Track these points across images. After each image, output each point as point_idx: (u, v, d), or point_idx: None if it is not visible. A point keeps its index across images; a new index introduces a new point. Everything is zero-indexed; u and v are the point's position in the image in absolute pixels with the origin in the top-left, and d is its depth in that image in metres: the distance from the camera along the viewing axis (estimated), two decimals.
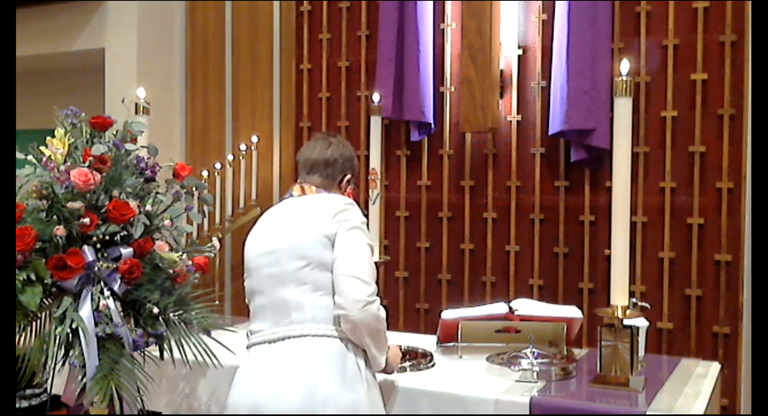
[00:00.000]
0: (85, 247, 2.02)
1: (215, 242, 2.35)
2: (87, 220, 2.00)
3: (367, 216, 2.25)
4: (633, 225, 3.29)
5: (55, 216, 2.03)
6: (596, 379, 2.25)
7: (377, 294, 2.02)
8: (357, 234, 2.06)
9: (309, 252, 2.04)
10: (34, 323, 2.04)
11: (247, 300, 2.19)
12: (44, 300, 2.01)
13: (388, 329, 2.20)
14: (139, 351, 2.07)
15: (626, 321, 2.24)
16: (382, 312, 2.04)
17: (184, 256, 2.15)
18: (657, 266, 3.44)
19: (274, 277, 2.06)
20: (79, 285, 2.00)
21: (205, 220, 3.68)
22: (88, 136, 2.16)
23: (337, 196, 2.21)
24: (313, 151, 2.27)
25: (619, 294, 2.23)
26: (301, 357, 1.97)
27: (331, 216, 2.07)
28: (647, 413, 2.02)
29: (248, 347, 2.12)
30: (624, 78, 2.25)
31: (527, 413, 2.08)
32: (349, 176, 2.30)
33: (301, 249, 2.04)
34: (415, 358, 2.44)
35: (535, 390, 2.18)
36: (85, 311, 1.98)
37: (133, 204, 2.07)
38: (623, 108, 2.25)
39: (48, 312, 2.03)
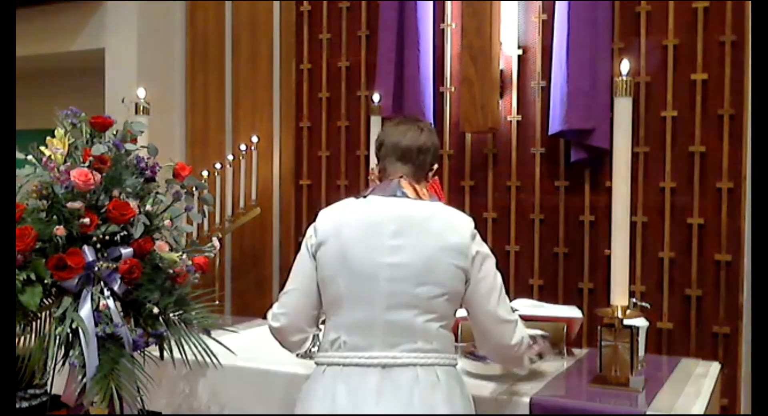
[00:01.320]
0: (85, 247, 2.02)
1: (215, 242, 2.35)
2: (87, 220, 2.00)
3: None
4: (633, 225, 3.29)
5: (55, 216, 2.03)
6: (596, 379, 2.25)
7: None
8: (492, 266, 1.95)
9: (448, 283, 1.88)
10: (34, 323, 2.04)
11: (333, 301, 1.93)
12: (44, 300, 2.01)
13: None
14: (139, 351, 2.07)
15: (626, 321, 2.23)
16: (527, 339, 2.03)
17: (184, 256, 2.15)
18: (657, 266, 3.44)
19: (395, 295, 1.87)
20: (79, 285, 2.00)
21: (205, 220, 3.68)
22: (88, 136, 2.16)
23: (463, 215, 1.98)
24: (404, 136, 2.03)
25: (619, 294, 2.23)
26: (435, 384, 1.86)
27: (469, 244, 1.91)
28: (647, 413, 2.02)
29: (346, 364, 1.89)
30: (624, 78, 2.25)
31: (527, 413, 2.08)
32: (437, 166, 2.11)
33: (438, 277, 1.87)
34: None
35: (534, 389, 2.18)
36: (85, 311, 1.98)
37: (133, 204, 2.07)
38: (623, 108, 2.25)
39: (48, 312, 2.03)
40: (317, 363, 1.97)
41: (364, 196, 2.00)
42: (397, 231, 1.89)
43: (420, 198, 1.98)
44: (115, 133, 2.19)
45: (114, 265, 2.01)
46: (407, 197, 1.96)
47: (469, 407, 1.95)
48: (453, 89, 3.78)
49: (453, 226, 1.92)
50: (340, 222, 1.96)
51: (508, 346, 1.96)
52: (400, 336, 1.86)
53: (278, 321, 2.00)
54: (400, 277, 1.86)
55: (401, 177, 2.00)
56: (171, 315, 2.12)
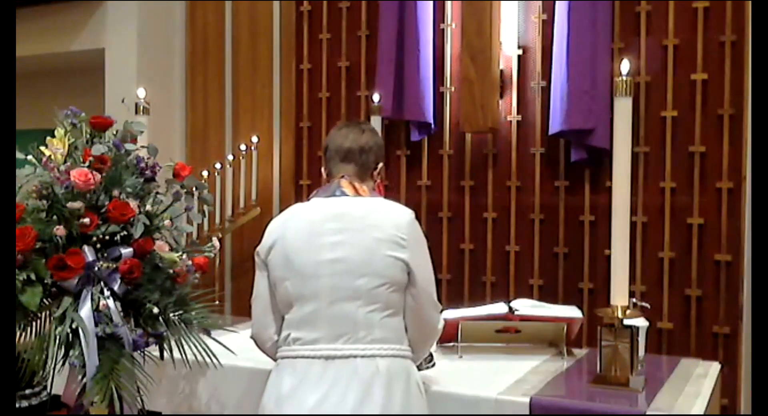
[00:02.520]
0: (85, 247, 2.02)
1: (215, 242, 2.35)
2: (87, 220, 2.00)
3: None
4: (633, 225, 3.29)
5: (55, 216, 2.03)
6: (596, 379, 2.25)
7: None
8: (426, 256, 2.04)
9: (386, 272, 1.94)
10: (34, 323, 2.04)
11: (285, 302, 1.99)
12: (44, 300, 2.01)
13: None
14: (139, 351, 2.07)
15: (626, 321, 2.23)
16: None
17: (184, 256, 2.15)
18: (657, 266, 3.44)
19: (339, 289, 1.93)
20: (79, 285, 2.00)
21: (205, 220, 3.67)
22: (88, 136, 2.16)
23: (401, 207, 2.06)
24: (346, 138, 2.13)
25: (619, 294, 2.23)
26: (374, 375, 1.90)
27: (407, 236, 1.98)
28: (647, 413, 2.02)
29: (294, 357, 1.96)
30: (624, 78, 2.25)
31: (527, 413, 2.08)
32: (381, 165, 2.20)
33: (376, 268, 1.93)
34: None
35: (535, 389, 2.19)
36: (85, 311, 1.98)
37: (133, 204, 2.07)
38: (623, 108, 2.25)
39: (48, 312, 2.03)
40: (274, 360, 2.06)
41: (308, 199, 2.11)
42: (336, 229, 1.97)
43: (359, 195, 2.06)
44: (115, 133, 2.19)
45: (114, 265, 2.01)
46: (346, 195, 2.05)
47: (416, 400, 1.96)
48: (453, 89, 3.78)
49: (390, 218, 2.00)
50: (284, 226, 2.03)
51: (436, 330, 2.07)
52: (343, 329, 1.92)
53: (251, 331, 2.11)
54: (340, 272, 1.93)
55: (342, 177, 2.09)
56: (171, 315, 2.12)
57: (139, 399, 2.05)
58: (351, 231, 1.97)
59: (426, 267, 2.02)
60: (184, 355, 2.13)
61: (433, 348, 2.54)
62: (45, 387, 2.33)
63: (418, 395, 1.98)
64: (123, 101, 2.59)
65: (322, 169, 2.21)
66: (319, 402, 1.88)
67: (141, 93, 2.71)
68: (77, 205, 2.00)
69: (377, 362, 1.91)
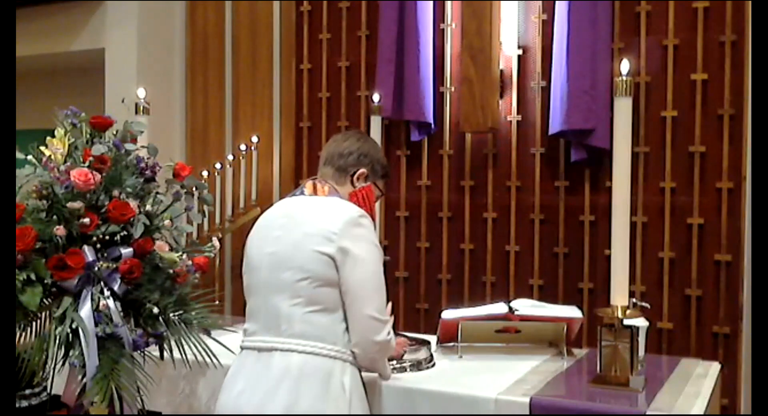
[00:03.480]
0: (85, 247, 2.02)
1: (215, 242, 2.35)
2: (87, 220, 2.00)
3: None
4: (633, 225, 3.29)
5: (55, 216, 2.03)
6: (596, 379, 2.25)
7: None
8: (367, 260, 1.98)
9: (309, 267, 1.96)
10: (34, 323, 2.04)
11: (245, 295, 2.14)
12: (44, 300, 2.01)
13: None
14: (139, 351, 2.07)
15: (626, 321, 2.23)
16: (394, 340, 2.04)
17: (184, 256, 2.15)
18: (657, 266, 3.44)
19: (270, 283, 2.01)
20: (79, 285, 2.00)
21: (205, 220, 3.68)
22: (88, 136, 2.16)
23: (349, 205, 2.07)
24: (332, 144, 2.25)
25: (619, 294, 2.23)
26: (285, 371, 1.93)
27: (339, 232, 1.96)
28: (647, 413, 2.02)
29: (241, 347, 2.10)
30: (624, 78, 2.25)
31: (527, 413, 2.08)
32: (363, 171, 2.21)
33: (300, 262, 1.96)
34: (415, 345, 2.44)
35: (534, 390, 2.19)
36: (85, 311, 1.98)
37: (133, 204, 2.07)
38: (623, 108, 2.25)
39: (48, 312, 2.03)
40: None
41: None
42: (280, 225, 2.06)
43: (316, 194, 2.13)
44: (115, 133, 2.19)
45: (114, 265, 2.01)
46: (304, 194, 2.15)
47: (334, 404, 1.92)
48: (453, 89, 3.78)
49: (327, 214, 2.02)
50: (255, 224, 2.17)
51: (372, 342, 1.96)
52: (273, 322, 1.99)
53: None
54: (274, 265, 2.00)
55: (313, 178, 2.20)
56: (171, 315, 2.12)
57: (139, 399, 2.05)
58: (289, 226, 2.03)
59: (361, 268, 1.96)
60: (184, 355, 2.13)
61: (433, 348, 2.55)
62: (45, 388, 2.33)
63: (341, 399, 1.93)
64: (123, 101, 2.59)
65: None
66: (239, 393, 1.97)
67: (141, 93, 2.71)
68: (77, 205, 2.00)
69: (291, 358, 1.93)
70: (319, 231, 1.97)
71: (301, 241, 1.98)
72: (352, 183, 2.19)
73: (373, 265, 1.98)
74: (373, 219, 2.13)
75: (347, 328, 1.98)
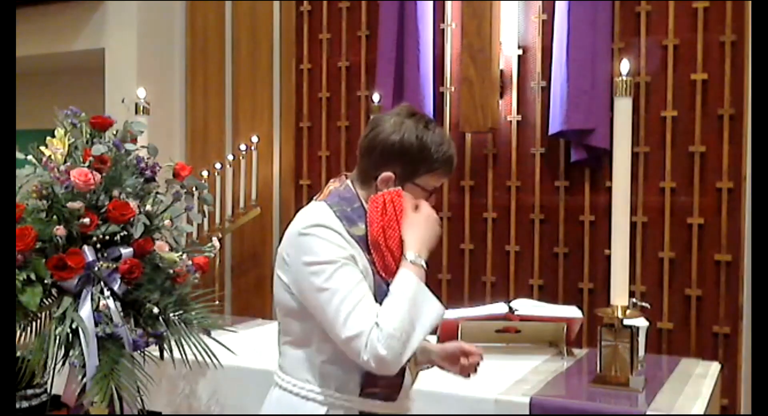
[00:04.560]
0: (85, 247, 2.01)
1: (215, 242, 2.35)
2: (87, 220, 2.00)
3: None
4: (633, 225, 3.29)
5: (55, 216, 2.03)
6: (596, 379, 2.25)
7: (371, 327, 1.54)
8: (313, 276, 1.59)
9: (277, 294, 1.71)
10: (34, 323, 2.04)
11: None
12: (44, 300, 2.01)
13: None
14: (139, 351, 2.07)
15: (626, 321, 2.23)
16: (382, 350, 1.52)
17: (184, 256, 2.15)
18: (657, 266, 3.44)
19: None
20: (79, 285, 2.00)
21: (205, 220, 3.68)
22: (88, 136, 2.16)
23: (305, 214, 1.69)
24: (365, 130, 1.77)
25: (619, 294, 2.23)
26: (268, 404, 1.77)
27: (288, 250, 1.67)
28: (647, 413, 2.02)
29: None
30: (624, 78, 2.25)
31: (527, 413, 2.08)
32: (387, 175, 1.68)
33: (275, 288, 1.73)
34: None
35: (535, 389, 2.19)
36: (85, 311, 1.98)
37: (133, 204, 2.07)
38: (623, 108, 2.25)
39: (48, 312, 2.03)
40: None
41: None
42: None
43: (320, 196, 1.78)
44: (115, 133, 2.19)
45: (114, 265, 2.01)
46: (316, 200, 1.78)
47: None
48: (453, 89, 3.78)
49: (289, 231, 1.70)
50: None
51: (366, 363, 1.55)
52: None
53: None
54: None
55: (344, 174, 1.81)
56: (171, 315, 2.12)
57: (139, 399, 2.05)
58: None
59: (309, 289, 1.60)
60: (184, 355, 2.13)
61: None
62: (45, 390, 2.34)
63: None
64: (123, 101, 2.59)
65: None
66: None
67: (141, 93, 2.71)
68: (77, 205, 2.00)
69: (273, 391, 1.77)
70: (280, 251, 1.71)
71: (276, 264, 1.74)
72: (375, 188, 1.71)
73: (321, 281, 1.58)
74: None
75: (336, 363, 1.65)
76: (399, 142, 1.69)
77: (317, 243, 1.61)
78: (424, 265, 1.64)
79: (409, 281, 1.60)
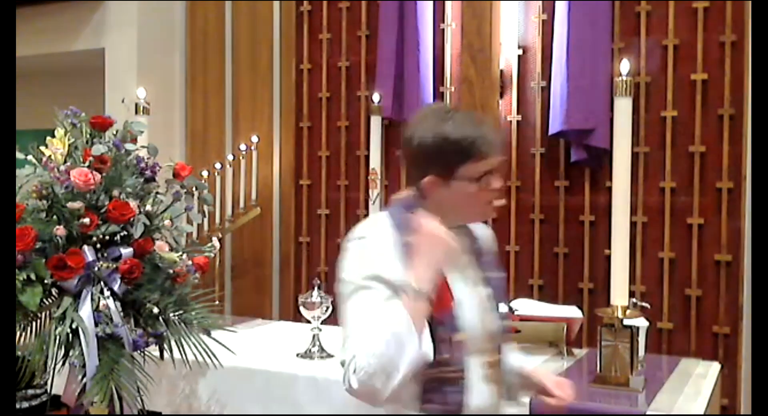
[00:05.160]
0: (85, 247, 2.01)
1: (215, 242, 2.35)
2: (87, 220, 2.00)
3: (366, 216, 2.21)
4: (633, 225, 3.29)
5: (55, 216, 2.03)
6: (596, 379, 2.25)
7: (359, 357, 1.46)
8: (342, 294, 1.57)
9: None
10: (34, 323, 2.04)
11: None
12: (44, 300, 2.01)
13: None
14: (139, 351, 2.07)
15: (626, 321, 2.24)
16: (354, 382, 1.46)
17: (184, 256, 2.15)
18: (657, 266, 3.44)
19: None
20: (79, 285, 2.00)
21: (205, 220, 3.68)
22: (88, 136, 2.16)
23: (361, 225, 1.65)
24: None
25: (619, 294, 2.23)
26: None
27: (340, 272, 1.60)
28: (647, 413, 2.02)
29: None
30: (624, 78, 2.25)
31: (527, 413, 2.08)
32: (429, 180, 1.61)
33: None
34: None
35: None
36: (85, 311, 1.98)
37: (133, 204, 2.07)
38: (623, 108, 2.25)
39: (48, 312, 2.03)
40: None
41: None
42: None
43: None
44: (115, 133, 2.19)
45: (114, 265, 2.01)
46: None
47: None
48: (453, 89, 3.78)
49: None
50: None
51: (346, 389, 1.51)
52: None
53: None
54: None
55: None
56: (171, 315, 2.12)
57: (139, 399, 2.05)
58: None
59: (341, 305, 1.57)
60: (184, 355, 2.13)
61: None
62: (45, 390, 2.34)
63: None
64: (123, 101, 2.59)
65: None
66: None
67: (141, 93, 2.72)
68: (77, 205, 2.00)
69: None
70: None
71: None
72: (419, 188, 1.65)
73: (343, 299, 1.57)
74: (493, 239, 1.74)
75: None
76: (419, 144, 1.62)
77: (350, 259, 1.59)
78: (423, 292, 1.51)
79: (397, 314, 1.48)
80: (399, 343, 1.46)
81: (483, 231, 1.81)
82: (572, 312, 2.64)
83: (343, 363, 1.49)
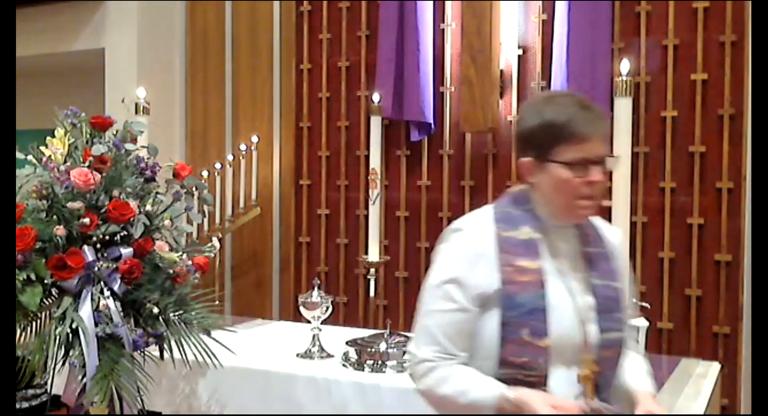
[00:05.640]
0: (85, 247, 2.01)
1: (215, 242, 2.35)
2: (87, 220, 2.00)
3: (366, 216, 2.21)
4: (633, 225, 3.29)
5: (55, 216, 2.03)
6: None
7: (430, 359, 1.58)
8: (426, 284, 1.63)
9: None
10: (34, 323, 2.04)
11: None
12: (44, 300, 2.01)
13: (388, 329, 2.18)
14: (139, 351, 2.07)
15: None
16: (422, 383, 1.61)
17: (184, 256, 2.15)
18: (657, 266, 3.44)
19: None
20: (79, 285, 2.00)
21: (205, 220, 3.68)
22: (88, 136, 2.16)
23: (467, 214, 1.68)
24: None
25: None
26: None
27: None
28: None
29: None
30: (624, 78, 2.25)
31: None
32: (525, 161, 1.60)
33: None
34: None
35: None
36: (85, 311, 1.98)
37: (133, 204, 2.07)
38: (623, 108, 2.25)
39: (48, 312, 2.03)
40: None
41: None
42: None
43: None
44: (115, 133, 2.19)
45: (114, 265, 2.01)
46: None
47: None
48: (453, 89, 3.78)
49: None
50: None
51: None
52: None
53: None
54: None
55: None
56: (171, 315, 2.11)
57: (139, 399, 2.05)
58: None
59: (418, 309, 1.66)
60: (184, 355, 2.13)
61: None
62: (45, 390, 2.34)
63: None
64: (123, 101, 2.60)
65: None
66: None
67: (141, 93, 2.72)
68: (77, 205, 2.00)
69: None
70: None
71: None
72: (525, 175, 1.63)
73: (424, 290, 1.63)
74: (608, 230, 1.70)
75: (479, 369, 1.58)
76: (521, 126, 1.61)
77: (440, 255, 1.63)
78: (510, 399, 1.51)
79: (486, 396, 1.52)
80: (447, 358, 1.58)
81: (615, 237, 1.73)
82: None
83: (407, 352, 1.64)
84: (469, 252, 1.58)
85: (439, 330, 1.57)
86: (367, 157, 3.76)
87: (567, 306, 1.56)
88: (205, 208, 2.45)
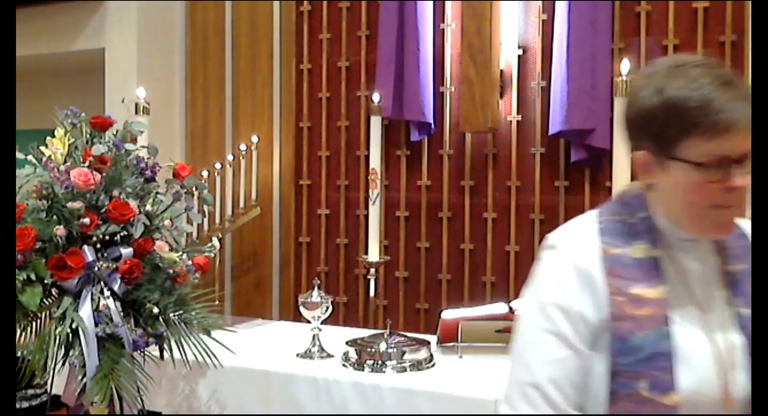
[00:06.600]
0: (85, 247, 2.02)
1: (215, 242, 2.35)
2: (87, 220, 2.00)
3: (366, 216, 2.21)
4: None
5: (55, 216, 2.03)
6: None
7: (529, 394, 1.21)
8: (522, 315, 1.30)
9: None
10: (34, 323, 2.04)
11: None
12: (44, 300, 2.01)
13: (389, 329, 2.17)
14: (139, 351, 2.07)
15: None
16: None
17: (184, 256, 2.15)
18: None
19: None
20: (79, 285, 2.00)
21: (205, 220, 3.68)
22: (88, 136, 2.16)
23: (568, 223, 1.36)
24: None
25: None
26: None
27: None
28: None
29: None
30: (624, 78, 2.25)
31: None
32: (639, 154, 1.23)
33: None
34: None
35: None
36: (85, 311, 1.98)
37: (133, 204, 2.07)
38: (623, 108, 2.25)
39: (48, 312, 2.04)
40: None
41: None
42: None
43: None
44: (115, 133, 2.19)
45: (114, 265, 2.02)
46: None
47: None
48: (453, 89, 3.78)
49: None
50: None
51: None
52: None
53: None
54: None
55: None
56: (171, 315, 2.12)
57: (139, 399, 2.05)
58: None
59: (515, 337, 1.31)
60: (184, 355, 2.13)
61: (433, 348, 2.55)
62: (45, 390, 2.34)
63: None
64: (123, 101, 2.60)
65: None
66: None
67: (141, 93, 2.72)
68: (77, 205, 2.00)
69: None
70: None
71: None
72: (639, 170, 1.27)
73: (523, 321, 1.28)
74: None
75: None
76: (639, 106, 1.21)
77: (539, 272, 1.29)
78: None
79: (559, 375, 1.20)
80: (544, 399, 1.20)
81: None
82: None
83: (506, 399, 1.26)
84: (565, 276, 1.23)
85: (547, 379, 1.19)
86: (367, 157, 3.76)
87: (702, 348, 1.20)
88: (205, 207, 2.45)
